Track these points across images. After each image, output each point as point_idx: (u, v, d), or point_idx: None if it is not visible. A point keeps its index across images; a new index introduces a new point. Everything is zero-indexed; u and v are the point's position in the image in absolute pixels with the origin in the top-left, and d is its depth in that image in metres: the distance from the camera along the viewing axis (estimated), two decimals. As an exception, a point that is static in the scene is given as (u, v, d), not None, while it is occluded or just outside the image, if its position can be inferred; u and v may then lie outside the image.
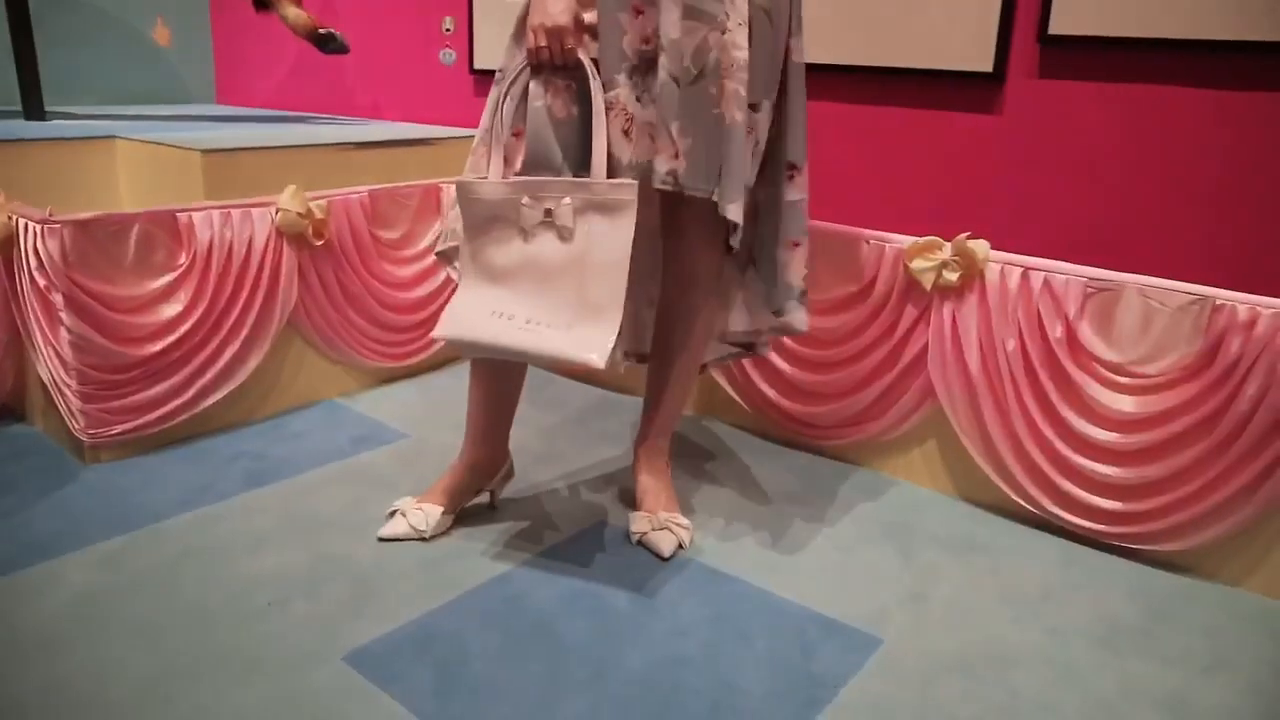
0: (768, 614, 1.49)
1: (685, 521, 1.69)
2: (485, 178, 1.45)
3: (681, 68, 1.42)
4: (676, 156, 1.45)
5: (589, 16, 1.42)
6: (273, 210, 2.00)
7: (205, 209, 1.92)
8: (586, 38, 1.42)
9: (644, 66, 1.44)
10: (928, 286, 1.80)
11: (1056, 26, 2.11)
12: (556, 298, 1.42)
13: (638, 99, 1.45)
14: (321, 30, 2.99)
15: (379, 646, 1.36)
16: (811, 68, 2.30)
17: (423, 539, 1.64)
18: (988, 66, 2.20)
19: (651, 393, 1.73)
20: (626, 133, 1.45)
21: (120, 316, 1.83)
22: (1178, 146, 1.99)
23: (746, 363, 2.07)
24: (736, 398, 2.13)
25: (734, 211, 1.47)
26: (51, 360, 1.83)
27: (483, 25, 3.06)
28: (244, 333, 1.98)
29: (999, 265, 1.76)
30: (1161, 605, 1.56)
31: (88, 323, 1.79)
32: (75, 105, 3.61)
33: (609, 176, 1.42)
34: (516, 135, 1.47)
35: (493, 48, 3.04)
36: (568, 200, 1.40)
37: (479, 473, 1.71)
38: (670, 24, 1.41)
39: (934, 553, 1.69)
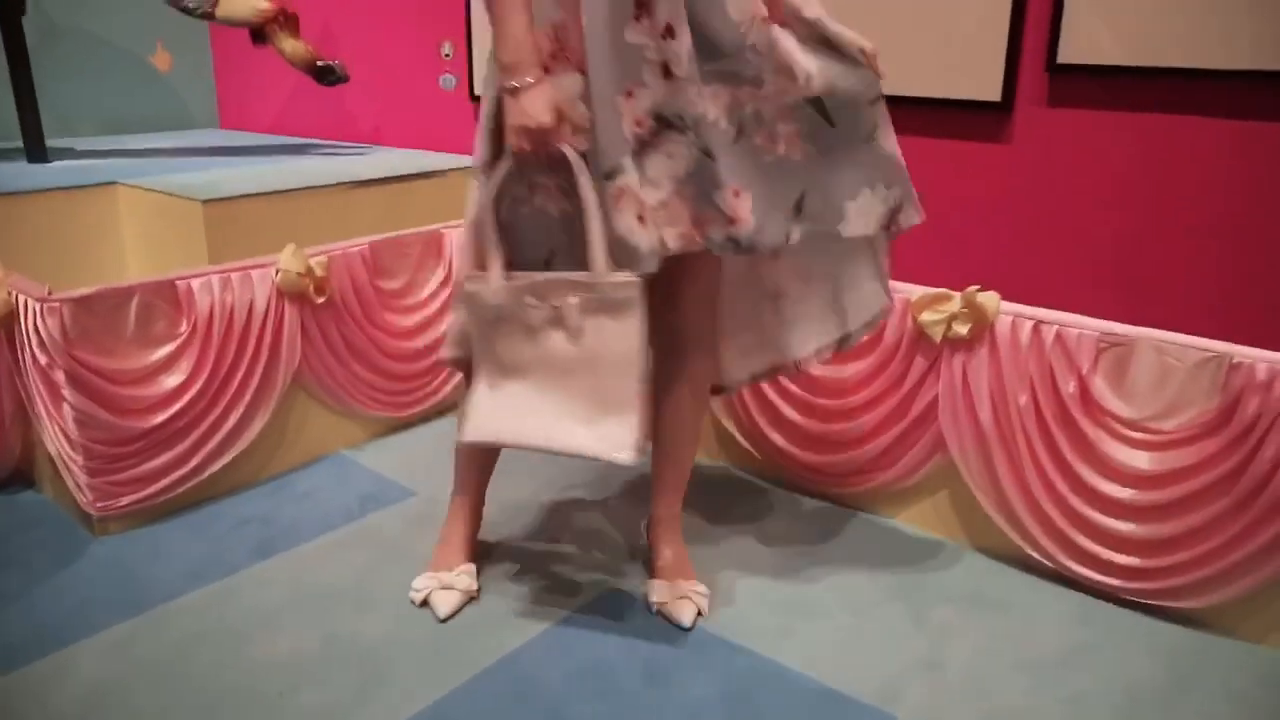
0: (781, 691, 1.47)
1: (703, 589, 1.68)
2: (486, 280, 1.44)
3: (726, 130, 1.40)
4: (733, 222, 1.41)
5: (568, 109, 1.38)
6: (273, 271, 1.98)
7: (204, 275, 1.91)
8: (568, 130, 1.38)
9: (640, 150, 1.41)
10: (937, 339, 1.77)
11: (1065, 55, 2.07)
12: (573, 393, 1.44)
13: (644, 183, 1.41)
14: (320, 62, 2.96)
15: (389, 743, 1.36)
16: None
17: (475, 598, 1.67)
18: (996, 96, 2.16)
19: (659, 461, 1.71)
20: (641, 219, 1.40)
21: (123, 390, 1.82)
22: (1187, 175, 1.95)
23: (755, 410, 2.04)
24: (747, 445, 2.11)
25: (858, 225, 1.52)
26: (57, 435, 1.83)
27: (481, 50, 3.02)
28: (248, 396, 1.97)
29: (1010, 318, 1.72)
30: (1181, 666, 1.54)
31: (91, 398, 1.78)
32: (77, 136, 3.61)
33: (627, 267, 1.39)
34: (507, 234, 1.45)
35: (492, 74, 3.01)
36: (573, 299, 1.41)
37: (476, 517, 1.76)
38: (689, 101, 1.37)
39: (948, 611, 1.67)
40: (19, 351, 1.86)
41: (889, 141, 1.54)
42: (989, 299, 1.73)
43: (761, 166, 1.44)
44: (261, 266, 1.98)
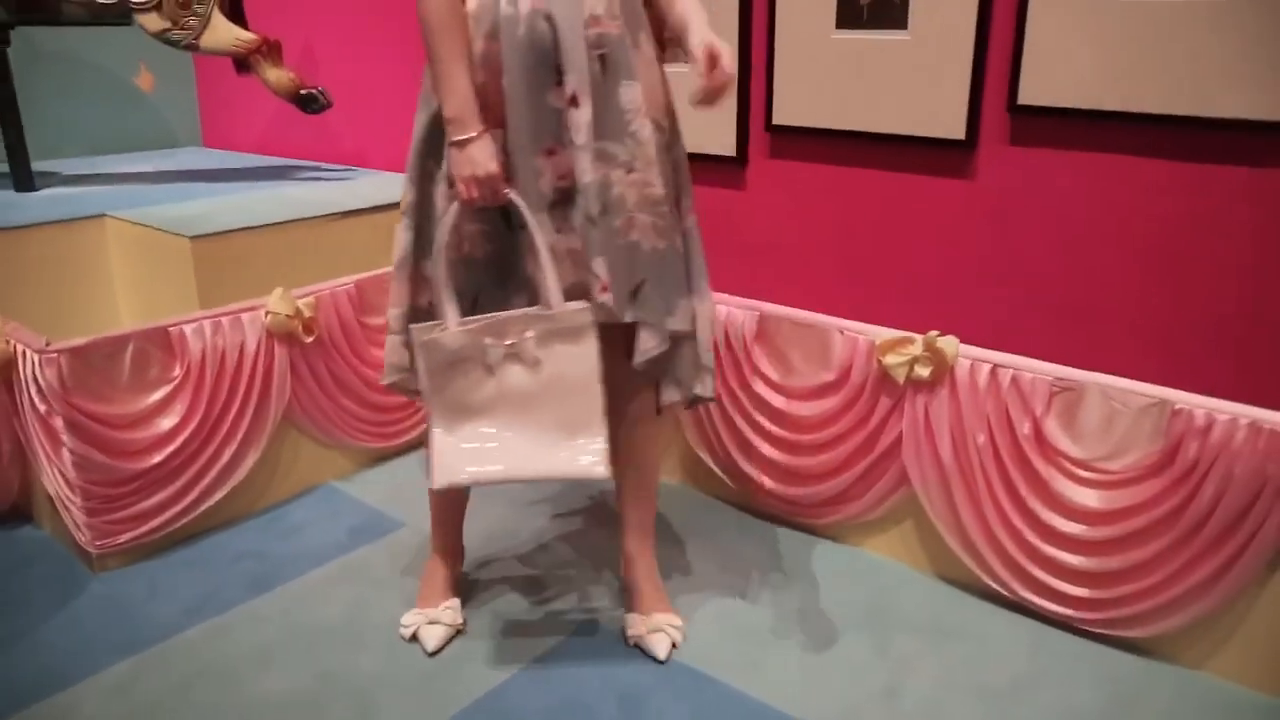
0: (749, 723, 1.56)
1: (677, 621, 1.76)
2: (442, 326, 1.51)
3: (595, 205, 1.50)
4: (605, 290, 1.52)
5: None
6: (262, 313, 2.05)
7: (196, 320, 1.98)
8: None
9: (562, 200, 1.52)
10: (900, 380, 1.86)
11: (1025, 97, 2.14)
12: (539, 422, 1.52)
13: (557, 230, 1.53)
14: (303, 91, 3.01)
15: (381, 781, 1.44)
16: (787, 130, 2.37)
17: (461, 631, 1.76)
18: (960, 134, 2.23)
19: (623, 501, 1.79)
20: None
21: (119, 433, 1.89)
22: (1145, 216, 2.03)
23: (728, 441, 2.13)
24: (720, 473, 2.19)
25: (646, 338, 1.56)
26: (56, 478, 1.89)
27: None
28: (240, 435, 2.04)
29: (969, 361, 1.82)
30: (1127, 692, 1.64)
31: (88, 442, 1.85)
32: (62, 158, 3.64)
33: (537, 303, 1.51)
34: (450, 275, 1.54)
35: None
36: (530, 333, 1.49)
37: (457, 554, 1.86)
38: (582, 169, 1.48)
39: (909, 640, 1.77)
40: (18, 397, 1.92)
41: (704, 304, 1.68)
42: (948, 344, 1.82)
43: (614, 247, 1.53)
44: (251, 309, 2.05)
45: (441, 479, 1.52)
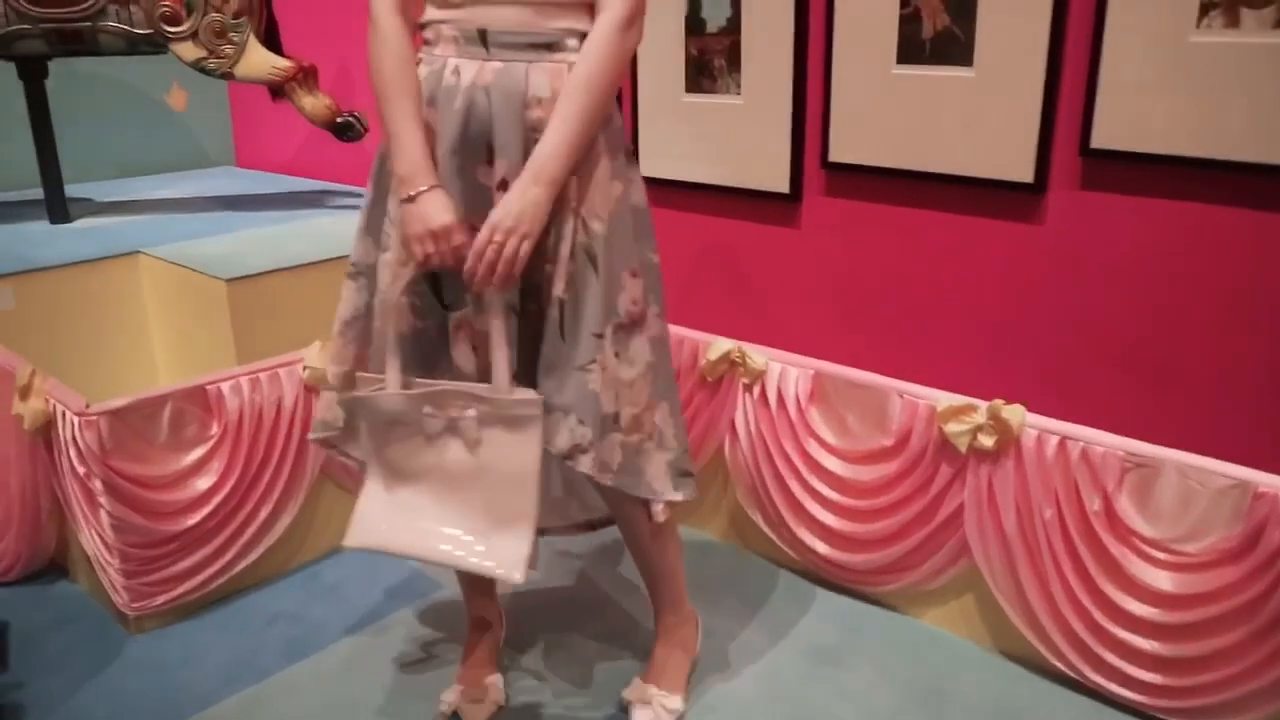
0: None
1: (674, 704, 1.69)
2: (382, 385, 1.44)
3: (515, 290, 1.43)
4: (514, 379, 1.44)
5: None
6: (300, 367, 2.00)
7: (234, 377, 1.93)
8: (467, 230, 1.39)
9: None
10: (963, 449, 1.79)
11: (1098, 140, 2.05)
12: (467, 505, 1.43)
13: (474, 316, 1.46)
14: (340, 119, 2.96)
15: None
16: (844, 167, 2.28)
17: (504, 706, 1.72)
18: (1029, 177, 2.14)
19: (646, 584, 1.75)
20: (475, 349, 1.46)
21: (157, 494, 1.85)
22: (1224, 268, 1.93)
23: (780, 503, 2.06)
24: (769, 532, 2.12)
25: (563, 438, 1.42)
26: (94, 538, 1.86)
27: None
28: (277, 492, 2.00)
29: (1035, 432, 1.74)
30: (1202, 790, 1.56)
31: (127, 504, 1.81)
32: (95, 180, 3.62)
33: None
34: (372, 341, 1.50)
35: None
36: (471, 412, 1.41)
37: (496, 625, 1.82)
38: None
39: (970, 723, 1.70)
40: (56, 457, 1.88)
41: (594, 380, 1.43)
42: (1014, 413, 1.74)
43: (525, 333, 1.47)
44: (288, 364, 2.00)
45: (352, 539, 1.46)
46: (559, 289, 1.41)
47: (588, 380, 1.41)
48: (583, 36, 1.39)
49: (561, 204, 1.39)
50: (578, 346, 1.42)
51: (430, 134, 1.41)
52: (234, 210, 3.14)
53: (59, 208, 2.96)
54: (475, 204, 1.41)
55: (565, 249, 1.41)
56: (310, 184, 3.60)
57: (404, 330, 1.46)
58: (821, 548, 2.02)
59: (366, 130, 3.02)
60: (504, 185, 1.39)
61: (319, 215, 3.03)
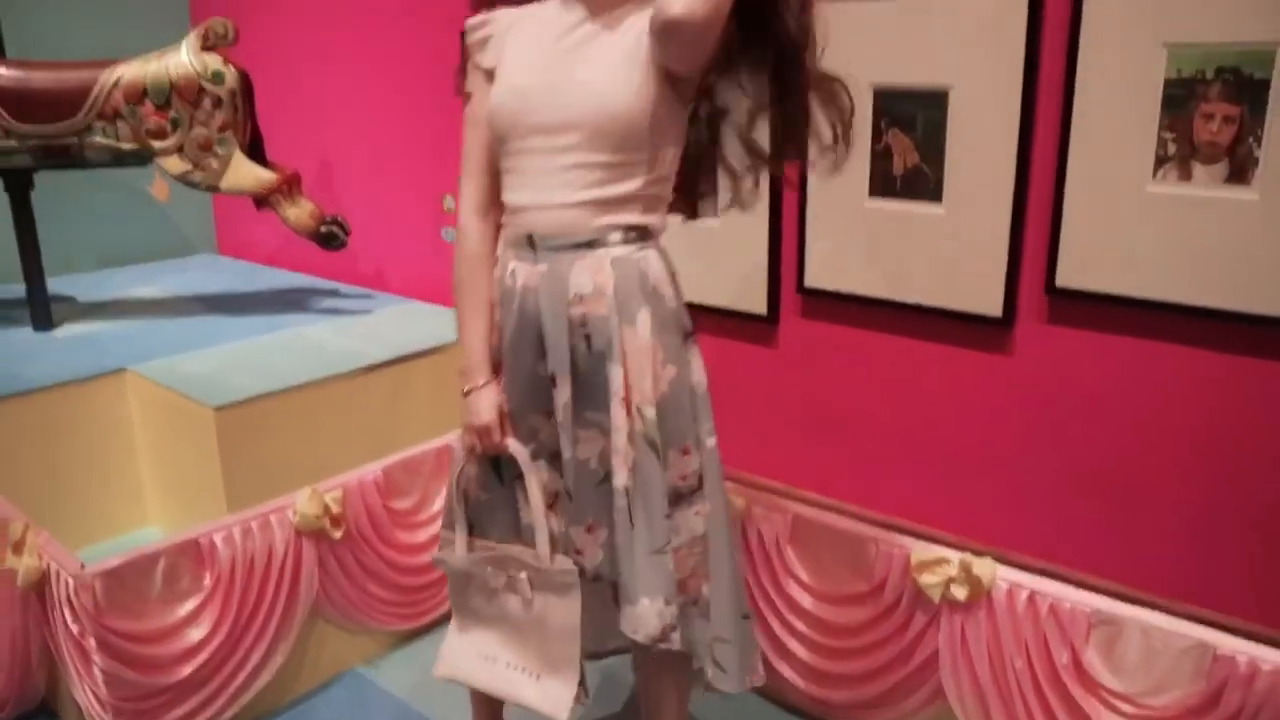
0: None
1: None
2: (452, 549, 1.65)
3: (571, 481, 1.55)
4: (580, 553, 1.59)
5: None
6: (290, 513, 2.04)
7: (225, 527, 1.97)
8: (508, 429, 1.57)
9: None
10: (935, 599, 1.85)
11: (1062, 280, 2.11)
12: (526, 649, 1.63)
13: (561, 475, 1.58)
14: (323, 228, 3.01)
15: None
16: (819, 293, 2.35)
17: None
18: (997, 311, 2.21)
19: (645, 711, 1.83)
20: (551, 507, 1.60)
21: (150, 648, 1.88)
22: (1185, 402, 2.00)
23: (761, 638, 2.11)
24: (751, 663, 2.18)
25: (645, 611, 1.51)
26: (86, 693, 1.88)
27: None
28: (269, 636, 2.03)
29: (1006, 585, 1.81)
30: None
31: (120, 660, 1.83)
32: (76, 271, 3.65)
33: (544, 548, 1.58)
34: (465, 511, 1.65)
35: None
36: (523, 575, 1.57)
37: None
38: (563, 445, 1.53)
39: None
40: (50, 612, 1.91)
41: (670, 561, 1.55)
42: (984, 567, 1.81)
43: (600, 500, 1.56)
44: (279, 510, 2.04)
45: (443, 670, 1.69)
46: (622, 478, 1.49)
47: (665, 562, 1.52)
48: (626, 229, 1.49)
49: (609, 395, 1.49)
50: (652, 530, 1.51)
51: (498, 331, 1.54)
52: (219, 314, 3.17)
53: (43, 314, 2.98)
54: (536, 396, 1.54)
55: (620, 439, 1.48)
56: (292, 279, 3.63)
57: (471, 499, 1.63)
58: (801, 682, 2.08)
59: (348, 237, 3.07)
60: (553, 380, 1.50)
61: (303, 322, 3.06)
